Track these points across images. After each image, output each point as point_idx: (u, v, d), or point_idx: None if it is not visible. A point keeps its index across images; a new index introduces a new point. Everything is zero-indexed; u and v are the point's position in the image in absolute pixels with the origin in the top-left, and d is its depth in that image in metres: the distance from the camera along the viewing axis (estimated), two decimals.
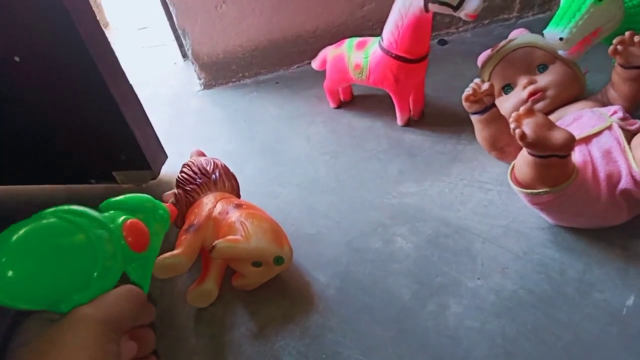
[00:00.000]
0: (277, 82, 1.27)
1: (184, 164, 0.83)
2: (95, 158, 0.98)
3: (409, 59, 0.89)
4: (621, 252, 0.70)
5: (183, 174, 0.81)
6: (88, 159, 0.98)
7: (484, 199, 0.83)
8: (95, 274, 0.36)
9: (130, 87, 0.89)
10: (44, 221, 0.35)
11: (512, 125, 0.61)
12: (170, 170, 1.00)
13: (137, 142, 0.91)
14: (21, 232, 0.34)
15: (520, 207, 0.78)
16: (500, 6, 1.21)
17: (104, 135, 0.91)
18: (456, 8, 0.77)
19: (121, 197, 0.44)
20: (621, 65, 0.76)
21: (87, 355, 0.32)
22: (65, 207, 0.38)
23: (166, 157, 1.01)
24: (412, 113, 1.01)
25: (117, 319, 0.35)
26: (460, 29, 1.24)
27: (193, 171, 0.81)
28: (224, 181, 0.81)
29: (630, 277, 0.67)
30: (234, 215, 0.72)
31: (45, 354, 0.31)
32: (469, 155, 0.91)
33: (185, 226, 0.73)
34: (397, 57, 0.89)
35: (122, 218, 0.40)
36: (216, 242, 0.67)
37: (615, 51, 0.74)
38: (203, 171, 0.80)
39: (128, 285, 0.38)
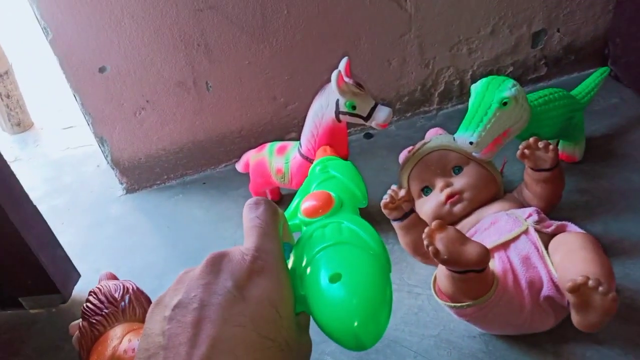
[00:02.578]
0: (204, 183, 1.23)
1: (91, 291, 0.76)
2: None
3: None
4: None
5: (88, 304, 0.74)
6: None
7: (414, 305, 0.80)
8: None
9: (34, 209, 0.84)
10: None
11: (425, 242, 0.60)
12: (85, 288, 0.92)
13: (43, 266, 0.84)
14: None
15: (450, 313, 0.76)
16: (420, 100, 1.25)
17: (5, 262, 0.84)
18: (366, 119, 0.77)
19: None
20: (531, 168, 0.77)
21: None
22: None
23: (78, 276, 0.94)
24: None
25: None
26: None
27: (99, 299, 0.74)
28: (135, 308, 0.74)
29: None
30: None
31: None
32: (397, 256, 0.89)
33: None
34: None
35: None
36: None
37: (523, 155, 0.75)
38: (110, 299, 0.74)
39: None
